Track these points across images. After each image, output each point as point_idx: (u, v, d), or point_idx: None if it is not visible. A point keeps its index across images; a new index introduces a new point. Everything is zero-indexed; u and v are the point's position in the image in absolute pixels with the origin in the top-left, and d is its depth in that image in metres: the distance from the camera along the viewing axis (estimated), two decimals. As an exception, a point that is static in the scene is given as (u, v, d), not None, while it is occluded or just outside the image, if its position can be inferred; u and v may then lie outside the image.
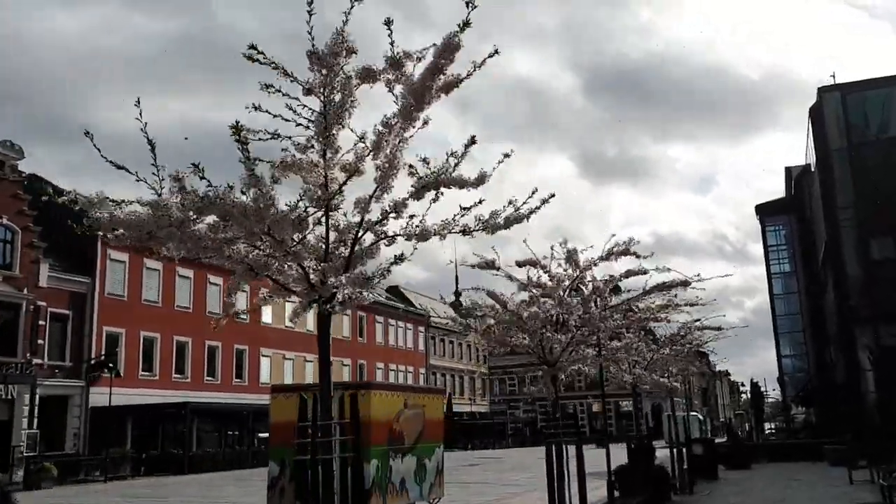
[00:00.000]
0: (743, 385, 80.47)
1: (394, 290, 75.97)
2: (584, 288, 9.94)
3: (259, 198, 4.46)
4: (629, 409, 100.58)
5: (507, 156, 5.65)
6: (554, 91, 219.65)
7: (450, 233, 5.58)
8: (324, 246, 5.31)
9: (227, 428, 41.99)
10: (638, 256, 9.79)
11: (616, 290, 12.10)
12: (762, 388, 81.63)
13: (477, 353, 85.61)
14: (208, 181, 4.41)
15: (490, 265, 9.52)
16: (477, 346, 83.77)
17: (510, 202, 5.78)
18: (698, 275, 10.01)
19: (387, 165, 5.22)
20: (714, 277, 10.29)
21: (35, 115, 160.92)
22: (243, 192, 4.63)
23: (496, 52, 5.00)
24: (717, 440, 45.53)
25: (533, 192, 6.00)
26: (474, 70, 5.12)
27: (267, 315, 48.58)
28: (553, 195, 6.30)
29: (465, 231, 5.65)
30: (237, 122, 4.34)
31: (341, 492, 5.96)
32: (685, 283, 10.00)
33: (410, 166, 5.48)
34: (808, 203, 49.65)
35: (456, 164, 5.49)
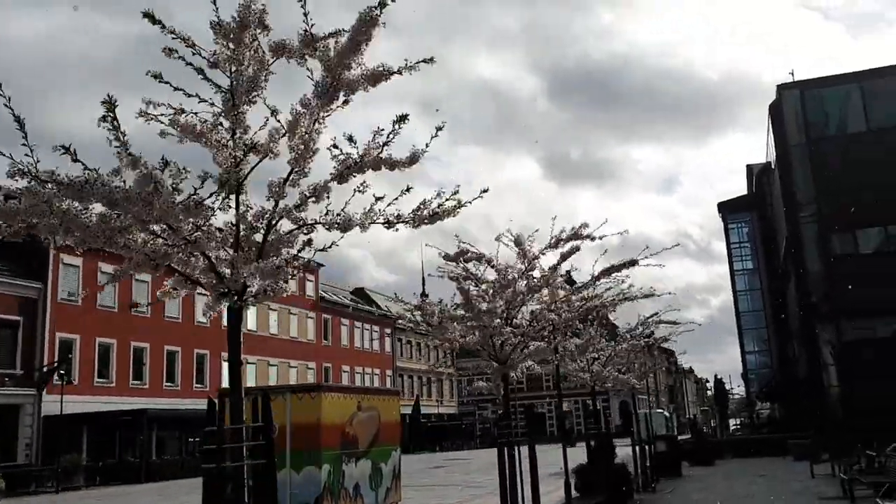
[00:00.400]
0: (708, 382, 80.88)
1: (359, 293, 75.39)
2: (532, 279, 9.57)
3: (142, 181, 3.99)
4: (598, 408, 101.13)
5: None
6: (518, 93, 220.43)
7: (373, 223, 5.16)
8: (234, 233, 4.87)
9: (189, 435, 41.06)
10: (593, 239, 9.44)
11: (570, 282, 11.78)
12: (727, 385, 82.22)
13: (444, 354, 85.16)
14: (84, 164, 3.93)
15: (459, 256, 9.11)
16: (444, 350, 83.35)
17: (438, 193, 5.36)
18: (646, 247, 9.65)
19: (301, 147, 4.79)
20: (663, 250, 9.88)
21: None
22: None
23: (432, 59, 4.74)
24: (683, 437, 45.67)
25: (455, 190, 5.53)
26: (406, 68, 4.76)
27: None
28: (486, 190, 5.86)
29: (389, 223, 5.24)
30: (110, 96, 3.87)
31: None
32: (632, 263, 9.64)
33: (334, 146, 5.07)
34: (770, 200, 50.00)
35: (384, 144, 5.06)
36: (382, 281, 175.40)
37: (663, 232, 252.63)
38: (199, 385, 45.66)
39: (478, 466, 37.05)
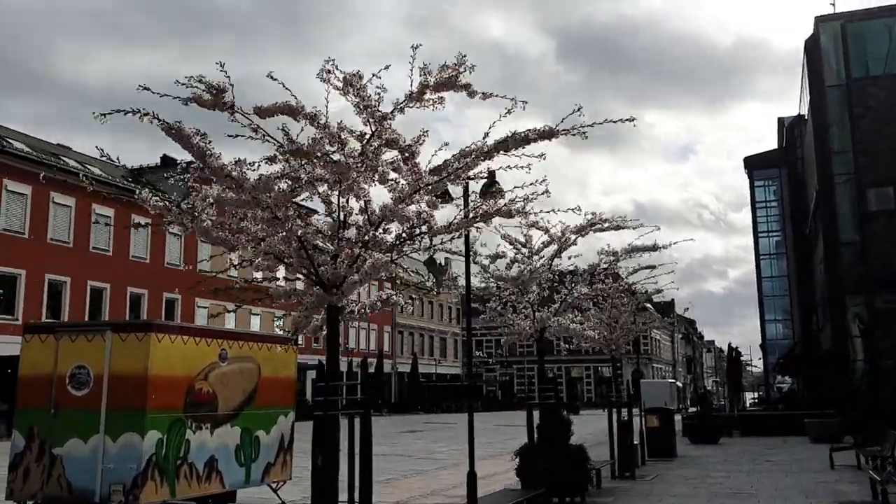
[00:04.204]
0: (722, 352, 75.99)
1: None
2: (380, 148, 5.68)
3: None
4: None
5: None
6: (526, 55, 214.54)
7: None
8: None
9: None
10: (470, 93, 5.51)
11: (492, 188, 7.91)
12: (747, 358, 77.64)
13: (449, 312, 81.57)
14: None
15: (217, 99, 5.24)
16: (450, 306, 79.82)
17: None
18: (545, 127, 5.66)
19: None
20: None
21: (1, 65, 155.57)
22: None
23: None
24: (692, 410, 41.80)
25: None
26: None
27: (204, 263, 44.26)
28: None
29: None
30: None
31: None
32: (551, 134, 5.69)
33: None
34: (801, 154, 45.37)
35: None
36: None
37: (678, 201, 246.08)
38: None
39: (456, 433, 33.54)
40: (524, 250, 10.42)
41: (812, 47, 34.09)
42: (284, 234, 5.59)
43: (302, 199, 6.16)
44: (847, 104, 32.10)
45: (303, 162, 5.32)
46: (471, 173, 5.94)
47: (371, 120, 5.61)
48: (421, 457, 20.47)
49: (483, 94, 5.55)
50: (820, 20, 33.51)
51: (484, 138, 5.73)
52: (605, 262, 11.19)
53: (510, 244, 10.63)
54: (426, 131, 5.62)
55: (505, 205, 6.61)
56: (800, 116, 44.92)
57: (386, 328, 68.78)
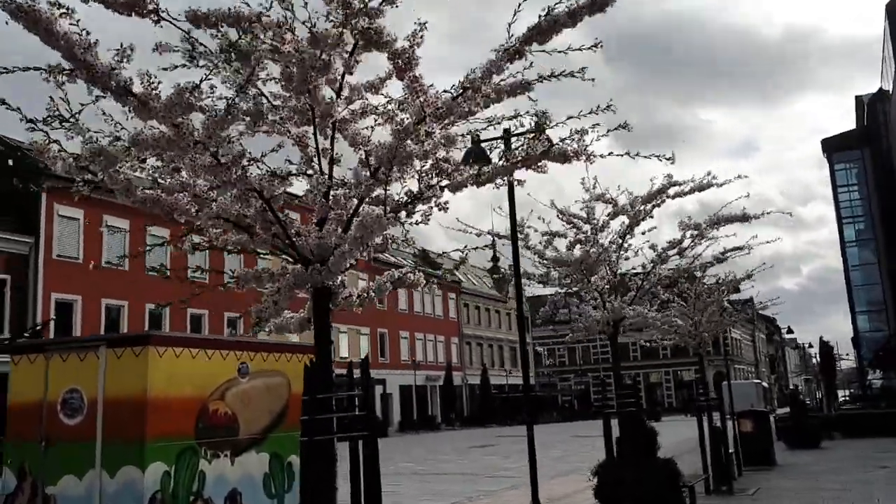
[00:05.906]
0: (811, 347, 71.37)
1: (421, 254, 70.27)
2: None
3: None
4: (691, 378, 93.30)
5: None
6: (574, 59, 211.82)
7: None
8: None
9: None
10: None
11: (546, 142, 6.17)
12: (834, 352, 73.18)
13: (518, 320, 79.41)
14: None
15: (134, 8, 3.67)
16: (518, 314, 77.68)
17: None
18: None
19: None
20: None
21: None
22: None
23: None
24: (781, 411, 38.94)
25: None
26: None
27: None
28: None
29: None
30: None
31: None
32: (570, 19, 3.90)
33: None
34: (885, 132, 42.14)
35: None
36: (446, 248, 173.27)
37: (743, 198, 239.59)
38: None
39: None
40: (586, 227, 8.62)
41: (894, 10, 31.26)
42: (238, 188, 3.94)
43: (271, 151, 4.49)
44: (940, 68, 29.25)
45: (244, 70, 3.66)
46: (498, 84, 4.19)
47: (347, 13, 3.91)
48: (490, 475, 18.64)
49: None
50: (903, -21, 30.68)
51: (509, 29, 3.98)
52: (689, 235, 9.26)
53: (568, 223, 8.83)
54: (425, 23, 3.90)
55: (558, 143, 4.86)
56: (881, 91, 41.80)
57: (453, 339, 67.05)
